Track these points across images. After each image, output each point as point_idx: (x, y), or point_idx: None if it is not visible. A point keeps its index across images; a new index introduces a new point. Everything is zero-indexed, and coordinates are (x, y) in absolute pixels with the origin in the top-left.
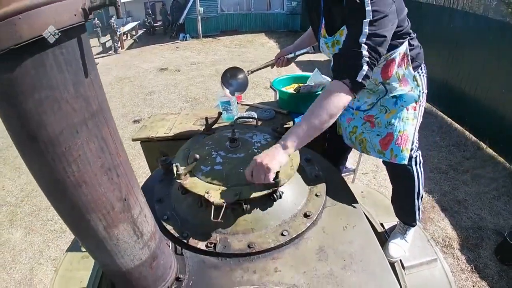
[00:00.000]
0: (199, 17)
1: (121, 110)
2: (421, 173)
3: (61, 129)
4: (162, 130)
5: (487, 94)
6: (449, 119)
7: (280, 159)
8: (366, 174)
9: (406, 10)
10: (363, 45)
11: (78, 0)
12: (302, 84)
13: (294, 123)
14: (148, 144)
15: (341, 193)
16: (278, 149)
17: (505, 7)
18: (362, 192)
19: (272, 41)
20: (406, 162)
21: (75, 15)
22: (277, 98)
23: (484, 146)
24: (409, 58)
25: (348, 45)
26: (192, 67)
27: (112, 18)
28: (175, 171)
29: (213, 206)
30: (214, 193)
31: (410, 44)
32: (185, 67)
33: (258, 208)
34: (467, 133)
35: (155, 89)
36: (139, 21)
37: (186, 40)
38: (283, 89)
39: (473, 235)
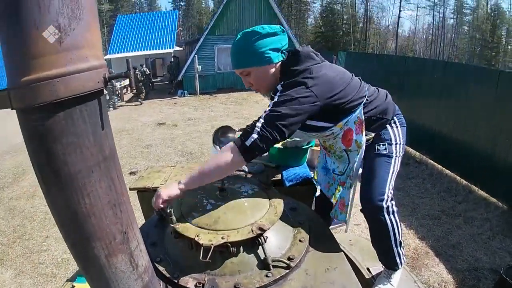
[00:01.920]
0: (197, 75)
1: None
2: (396, 222)
3: (80, 168)
4: (158, 181)
5: (474, 138)
6: (439, 166)
7: (170, 191)
8: (359, 225)
9: (345, 85)
10: (261, 119)
11: (101, 70)
12: (290, 139)
13: (282, 176)
14: (144, 194)
15: (325, 239)
16: (173, 184)
17: (489, 51)
18: (350, 240)
19: (266, 99)
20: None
21: (98, 82)
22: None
23: (476, 188)
24: (364, 124)
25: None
26: (189, 123)
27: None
28: (169, 217)
29: (202, 248)
30: (203, 236)
31: (368, 108)
32: (182, 122)
33: (245, 252)
34: (458, 178)
35: (152, 142)
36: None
37: (184, 96)
38: None
39: (469, 276)
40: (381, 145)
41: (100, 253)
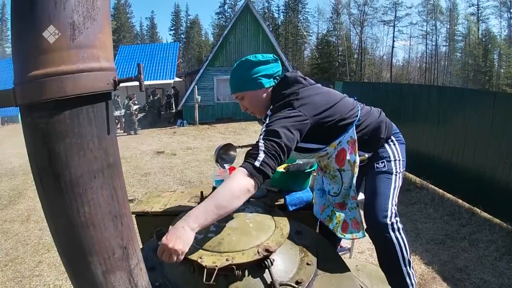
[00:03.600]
0: (197, 105)
1: None
2: (402, 239)
3: (82, 173)
4: (158, 206)
5: (473, 160)
6: (441, 191)
7: (186, 239)
8: (363, 252)
9: (333, 103)
10: (261, 140)
11: (110, 73)
12: (292, 163)
13: (285, 200)
14: (143, 219)
15: (333, 262)
16: (185, 229)
17: (482, 76)
18: (356, 266)
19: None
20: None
21: (107, 83)
22: None
23: (479, 211)
24: (356, 144)
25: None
26: (188, 152)
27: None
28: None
29: (205, 270)
30: (207, 258)
31: (360, 127)
32: (181, 151)
33: (250, 275)
34: (460, 201)
35: (150, 171)
36: (139, 106)
37: (183, 126)
38: None
39: None
40: (380, 163)
41: (97, 269)
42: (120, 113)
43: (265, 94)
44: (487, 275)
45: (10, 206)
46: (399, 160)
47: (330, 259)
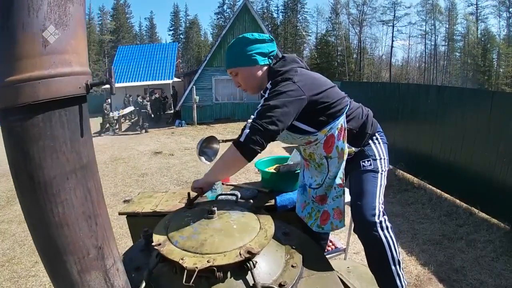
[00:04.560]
0: (195, 105)
1: (112, 189)
2: (391, 238)
3: (55, 174)
4: (149, 206)
5: (471, 160)
6: (438, 191)
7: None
8: (358, 253)
9: (328, 87)
10: (252, 117)
11: (83, 77)
12: (282, 164)
13: (276, 201)
14: (134, 219)
15: (319, 264)
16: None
17: (481, 75)
18: (348, 267)
19: None
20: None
21: (79, 87)
22: None
23: (476, 211)
24: (346, 132)
25: None
26: (185, 152)
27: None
28: (154, 240)
29: (185, 271)
30: (188, 259)
31: (349, 119)
32: (179, 152)
33: (232, 277)
34: (457, 201)
35: (148, 171)
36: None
37: (181, 126)
38: (265, 169)
39: None
40: (366, 161)
41: (72, 269)
42: (118, 114)
43: (259, 72)
44: (484, 276)
45: (7, 207)
46: (384, 158)
47: (317, 262)
